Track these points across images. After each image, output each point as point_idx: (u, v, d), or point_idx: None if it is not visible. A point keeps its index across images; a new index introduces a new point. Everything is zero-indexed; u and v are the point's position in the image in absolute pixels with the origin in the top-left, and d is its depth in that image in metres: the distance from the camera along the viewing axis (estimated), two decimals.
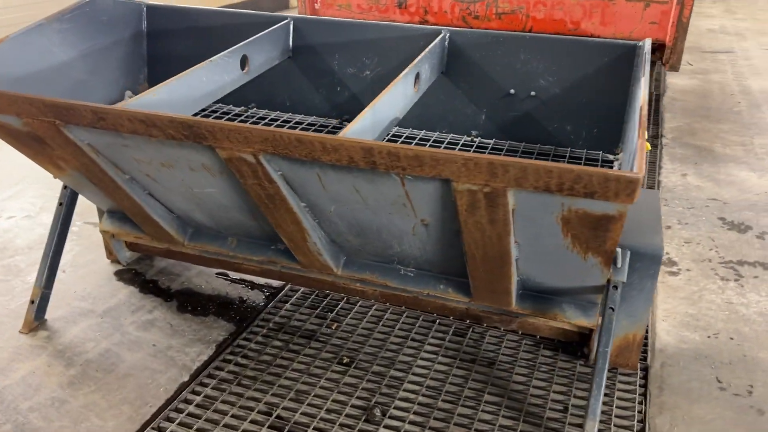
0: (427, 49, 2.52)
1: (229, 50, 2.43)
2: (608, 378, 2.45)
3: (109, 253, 3.11)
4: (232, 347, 2.58)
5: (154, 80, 3.02)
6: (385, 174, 1.77)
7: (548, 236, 1.87)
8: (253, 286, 2.98)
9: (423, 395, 2.35)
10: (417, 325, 2.74)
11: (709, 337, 2.68)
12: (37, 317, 2.67)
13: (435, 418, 2.25)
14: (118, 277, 3.01)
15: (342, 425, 2.21)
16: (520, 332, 2.67)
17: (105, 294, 2.89)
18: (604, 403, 2.31)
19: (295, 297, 2.91)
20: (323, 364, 2.50)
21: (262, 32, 2.63)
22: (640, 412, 2.29)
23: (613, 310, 2.09)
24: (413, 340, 2.64)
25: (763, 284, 3.03)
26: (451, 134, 2.71)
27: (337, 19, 2.71)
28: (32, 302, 2.65)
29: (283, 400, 2.32)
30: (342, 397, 2.34)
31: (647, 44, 2.32)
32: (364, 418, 2.25)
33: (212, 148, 1.87)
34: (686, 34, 4.15)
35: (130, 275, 3.02)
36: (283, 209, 2.12)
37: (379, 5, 4.73)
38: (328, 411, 2.27)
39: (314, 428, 2.20)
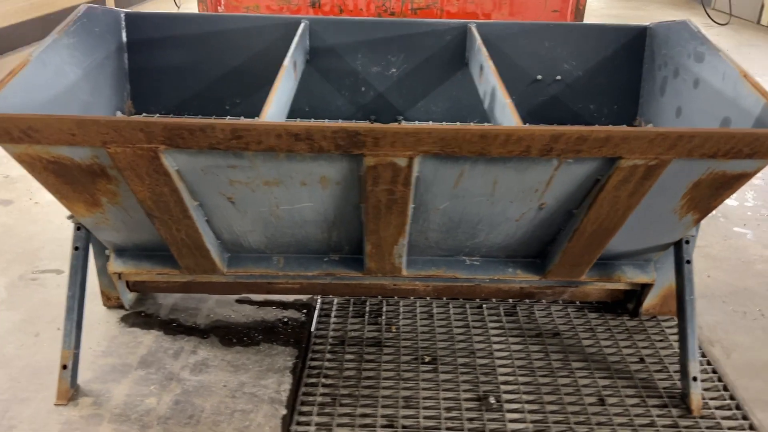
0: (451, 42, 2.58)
1: (289, 55, 2.26)
2: (652, 327, 2.72)
3: (107, 299, 2.71)
4: (308, 370, 2.43)
5: (138, 97, 2.69)
6: (544, 160, 1.82)
7: (663, 201, 2.06)
8: (283, 305, 2.81)
9: (520, 375, 2.43)
10: (468, 312, 2.79)
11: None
12: (72, 383, 2.27)
13: (545, 393, 2.34)
14: (128, 323, 2.65)
15: (470, 419, 2.22)
16: (568, 301, 2.84)
17: (128, 344, 2.53)
18: (655, 350, 2.57)
19: (333, 309, 2.79)
20: (409, 367, 2.46)
21: (296, 35, 2.47)
22: None
23: (689, 262, 2.35)
24: (474, 327, 2.70)
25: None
26: (482, 123, 2.79)
27: (357, 18, 2.64)
28: (64, 367, 2.25)
29: (398, 410, 2.25)
30: (450, 394, 2.33)
31: None
32: (485, 408, 2.27)
33: (361, 156, 1.77)
34: (582, 20, 4.62)
35: (141, 319, 2.68)
36: (397, 213, 2.05)
37: (291, 5, 4.62)
38: (447, 410, 2.26)
39: (446, 429, 2.18)
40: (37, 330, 2.60)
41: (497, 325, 2.72)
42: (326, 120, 2.78)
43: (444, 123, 2.98)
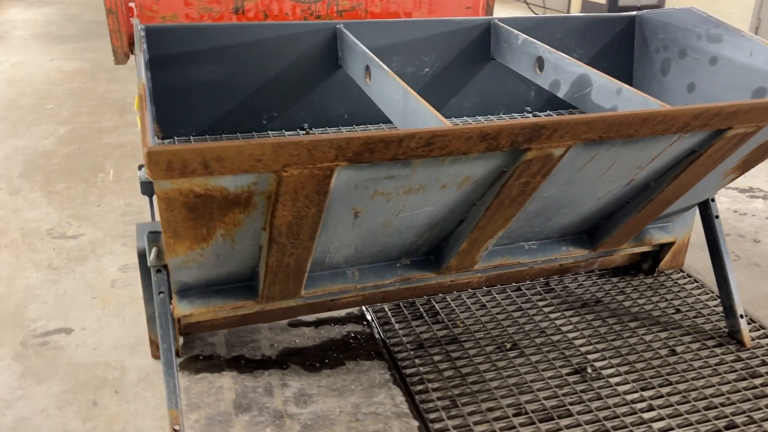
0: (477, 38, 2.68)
1: (369, 62, 2.18)
2: (667, 281, 3.06)
3: (157, 349, 2.41)
4: (408, 378, 2.38)
5: (165, 119, 2.42)
6: (666, 137, 1.99)
7: (725, 164, 2.35)
8: (339, 321, 2.70)
9: (595, 343, 2.60)
10: (513, 296, 2.91)
11: None
12: None
13: (626, 354, 2.53)
14: (192, 371, 2.38)
15: (582, 391, 2.34)
16: (590, 270, 3.07)
17: (207, 392, 2.28)
18: (682, 300, 2.91)
19: (389, 316, 2.75)
20: (498, 356, 2.52)
21: (339, 40, 2.37)
22: (705, 292, 2.96)
23: (718, 217, 2.68)
24: (527, 308, 2.82)
25: None
26: (509, 114, 2.89)
27: (390, 20, 2.58)
28: (176, 431, 1.98)
29: (516, 396, 2.30)
30: (550, 372, 2.43)
31: None
32: (588, 378, 2.41)
33: (525, 150, 1.80)
34: (492, 14, 4.94)
35: (202, 363, 2.42)
36: (516, 205, 2.10)
37: (212, 13, 4.37)
38: (558, 387, 2.36)
39: (569, 404, 2.28)
40: (91, 398, 2.24)
41: (545, 302, 2.88)
42: (369, 126, 2.71)
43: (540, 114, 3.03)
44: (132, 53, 4.49)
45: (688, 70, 2.69)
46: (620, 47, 2.96)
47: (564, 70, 2.31)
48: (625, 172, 2.16)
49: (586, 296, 2.93)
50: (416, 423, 2.19)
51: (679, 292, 2.97)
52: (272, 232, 1.88)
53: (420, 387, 2.35)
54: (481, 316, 2.78)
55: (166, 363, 2.01)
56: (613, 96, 2.10)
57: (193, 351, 2.48)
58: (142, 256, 2.22)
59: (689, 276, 3.09)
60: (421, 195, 1.96)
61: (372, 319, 2.73)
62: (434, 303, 2.86)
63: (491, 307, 2.84)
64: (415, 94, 1.98)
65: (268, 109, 2.54)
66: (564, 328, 2.70)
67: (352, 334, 2.63)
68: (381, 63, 2.19)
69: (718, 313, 2.80)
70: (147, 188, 2.59)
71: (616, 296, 2.93)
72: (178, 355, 2.45)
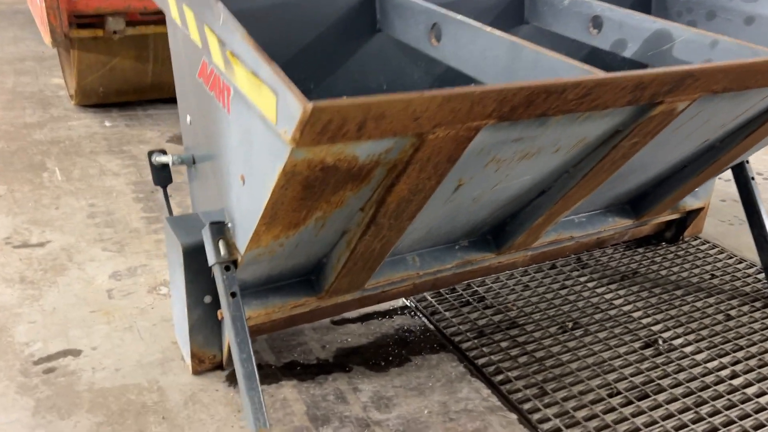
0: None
1: (438, 19, 1.94)
2: (691, 248, 3.04)
3: (199, 362, 2.05)
4: (486, 369, 2.18)
5: None
6: (765, 89, 1.91)
7: None
8: (386, 315, 2.45)
9: (652, 314, 2.51)
10: (549, 274, 2.77)
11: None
12: None
13: (686, 323, 2.46)
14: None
15: (664, 363, 2.24)
16: (615, 243, 2.99)
17: (272, 405, 1.96)
18: (713, 265, 2.91)
19: (435, 304, 2.53)
20: (565, 337, 2.37)
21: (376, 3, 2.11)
22: (729, 256, 2.97)
23: (753, 179, 2.67)
24: (570, 285, 2.70)
25: None
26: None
27: None
28: None
29: (602, 377, 2.16)
30: (624, 348, 2.32)
31: None
32: (663, 350, 2.31)
33: (652, 105, 1.64)
34: None
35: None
36: (616, 167, 1.94)
37: None
38: (638, 362, 2.24)
39: (656, 378, 2.16)
40: (136, 430, 1.86)
41: (585, 278, 2.76)
42: None
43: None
44: (70, 35, 3.96)
45: (718, 31, 2.65)
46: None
47: (632, 27, 2.19)
48: (710, 130, 2.08)
49: (621, 268, 2.85)
50: (514, 415, 1.99)
51: (705, 258, 2.96)
52: (377, 212, 1.62)
53: (500, 377, 2.16)
54: (529, 297, 2.62)
55: (246, 376, 1.69)
56: (705, 50, 2.00)
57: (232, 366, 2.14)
58: (191, 254, 1.87)
59: (708, 242, 3.09)
60: (531, 162, 1.76)
61: (417, 309, 2.50)
62: (476, 288, 2.67)
63: (535, 287, 2.69)
64: (531, 44, 1.78)
65: (304, 80, 2.23)
66: (616, 302, 2.59)
67: (405, 327, 2.39)
68: (460, 16, 1.97)
69: (751, 276, 2.81)
70: (161, 177, 2.23)
71: (650, 266, 2.87)
72: (222, 367, 2.11)
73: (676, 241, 3.06)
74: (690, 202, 2.82)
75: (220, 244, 1.73)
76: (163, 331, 2.28)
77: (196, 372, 2.08)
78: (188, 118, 1.96)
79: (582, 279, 2.76)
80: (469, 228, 2.21)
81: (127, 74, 4.35)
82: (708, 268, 2.87)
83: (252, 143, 1.46)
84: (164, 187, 2.26)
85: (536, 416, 1.99)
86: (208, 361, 2.08)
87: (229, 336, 1.74)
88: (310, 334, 2.31)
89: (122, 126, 4.36)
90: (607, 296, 2.63)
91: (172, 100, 5.07)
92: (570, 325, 2.45)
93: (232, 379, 2.07)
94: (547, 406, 2.04)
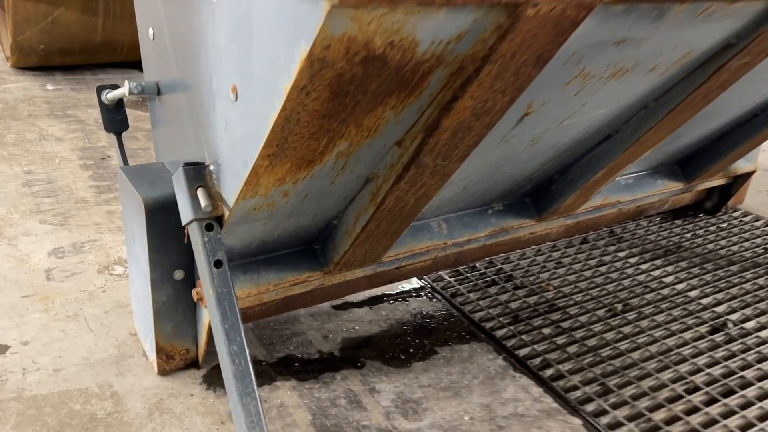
0: None
1: None
2: (734, 219, 2.66)
3: (167, 359, 1.56)
4: (531, 362, 1.74)
5: None
6: None
7: None
8: (400, 298, 1.99)
9: (711, 294, 2.12)
10: (581, 249, 2.36)
11: None
12: None
13: (752, 302, 2.08)
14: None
15: (743, 352, 1.84)
16: (651, 214, 2.60)
17: (266, 413, 1.48)
18: (763, 239, 2.54)
19: (455, 285, 2.08)
20: (616, 321, 1.95)
21: None
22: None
23: None
24: (608, 262, 2.29)
25: None
26: None
27: None
28: None
29: (677, 369, 1.75)
30: (690, 334, 1.91)
31: None
32: (735, 333, 1.91)
33: None
34: None
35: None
36: (704, 103, 1.53)
37: None
38: (711, 349, 1.84)
39: (738, 368, 1.76)
40: None
41: (624, 253, 2.36)
42: None
43: None
44: None
45: None
46: None
47: None
48: None
49: (662, 242, 2.45)
50: (577, 420, 1.56)
51: (753, 230, 2.59)
52: (422, 146, 1.16)
53: (550, 371, 1.73)
54: (564, 275, 2.19)
55: (239, 376, 1.21)
56: None
57: (214, 359, 1.66)
58: (156, 212, 1.38)
59: (750, 213, 2.73)
60: (618, 85, 1.33)
61: (434, 291, 2.05)
62: (500, 265, 2.24)
63: (570, 264, 2.27)
64: None
65: None
66: (666, 280, 2.19)
67: (423, 312, 1.94)
68: None
69: None
70: (115, 120, 1.73)
71: (693, 240, 2.48)
72: (198, 365, 1.62)
73: (716, 212, 2.68)
74: (741, 165, 2.45)
75: (200, 193, 1.24)
76: (119, 320, 1.77)
77: (164, 372, 1.58)
78: (150, 32, 1.46)
79: (620, 254, 2.35)
80: (510, 185, 1.77)
81: (72, 29, 3.77)
82: (758, 241, 2.50)
83: (251, 31, 0.98)
84: (119, 135, 1.76)
85: (604, 420, 1.57)
86: (179, 357, 1.59)
87: (212, 321, 1.25)
88: (307, 321, 1.84)
89: (67, 90, 3.79)
90: (654, 273, 2.23)
91: (127, 65, 4.50)
92: (620, 307, 2.04)
93: (211, 381, 1.59)
94: (615, 406, 1.61)
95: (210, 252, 1.24)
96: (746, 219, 2.68)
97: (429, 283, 2.10)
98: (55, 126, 3.21)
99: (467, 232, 1.80)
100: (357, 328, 1.83)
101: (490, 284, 2.12)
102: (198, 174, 1.26)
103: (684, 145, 2.05)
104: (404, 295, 2.01)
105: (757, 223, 2.65)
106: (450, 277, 2.14)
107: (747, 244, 2.47)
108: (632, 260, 2.32)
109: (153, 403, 1.50)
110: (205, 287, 1.26)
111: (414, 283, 2.08)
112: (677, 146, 2.04)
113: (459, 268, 2.20)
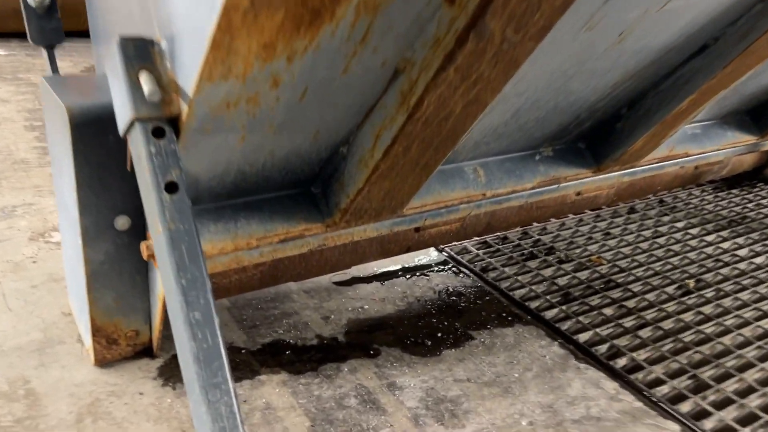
0: None
1: None
2: None
3: (107, 344, 1.12)
4: (596, 349, 1.33)
5: None
6: None
7: None
8: (418, 271, 1.57)
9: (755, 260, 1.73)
10: (631, 218, 1.96)
11: None
12: None
13: None
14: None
15: None
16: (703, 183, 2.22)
17: (246, 419, 1.05)
18: None
19: (488, 257, 1.67)
20: (692, 300, 1.55)
21: None
22: None
23: None
24: (668, 233, 1.88)
25: None
26: None
27: None
28: None
29: (765, 346, 1.35)
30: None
31: None
32: None
33: None
34: None
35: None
36: None
37: None
38: None
39: None
40: None
41: (682, 223, 1.96)
42: None
43: None
44: None
45: None
46: None
47: None
48: None
49: (722, 212, 2.06)
50: (674, 426, 1.15)
51: None
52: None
53: (624, 360, 1.31)
54: (617, 247, 1.79)
55: (205, 359, 0.78)
56: None
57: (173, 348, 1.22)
58: (86, 127, 0.95)
59: None
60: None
61: (460, 264, 1.63)
62: (537, 236, 1.83)
63: (621, 235, 1.86)
64: None
65: None
66: (740, 253, 1.79)
67: (450, 289, 1.52)
68: None
69: None
70: (46, 29, 1.30)
71: (760, 210, 2.09)
72: (152, 352, 1.19)
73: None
74: None
75: (143, 77, 0.81)
76: (50, 296, 1.33)
77: (103, 362, 1.15)
78: None
79: (678, 225, 1.95)
80: (569, 118, 1.35)
81: None
82: None
83: None
84: (50, 49, 1.32)
85: (709, 425, 1.16)
86: (125, 341, 1.15)
87: (163, 274, 0.82)
88: (301, 299, 1.41)
89: (22, 55, 3.33)
90: (724, 246, 1.83)
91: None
92: (692, 283, 1.63)
93: (169, 374, 1.15)
94: (718, 406, 1.20)
95: (159, 169, 0.81)
96: None
97: (453, 256, 1.68)
98: (2, 88, 2.75)
99: (510, 182, 1.38)
100: (366, 307, 1.41)
101: (528, 257, 1.71)
102: (142, 52, 0.83)
103: (757, 90, 1.66)
104: (423, 269, 1.59)
105: None
106: (477, 249, 1.73)
107: None
108: (693, 231, 1.92)
109: (84, 404, 1.06)
110: (152, 226, 0.82)
111: (433, 255, 1.67)
112: (751, 91, 1.65)
113: (488, 238, 1.79)
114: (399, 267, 1.58)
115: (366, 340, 1.29)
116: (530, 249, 1.75)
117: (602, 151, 1.48)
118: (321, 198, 1.15)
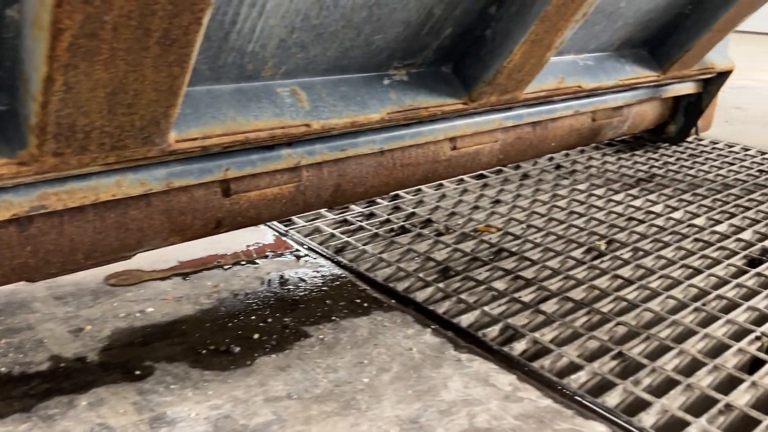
0: None
1: None
2: (705, 147, 2.01)
3: None
4: (471, 319, 0.93)
5: None
6: None
7: None
8: (244, 260, 1.14)
9: (717, 221, 1.41)
10: (526, 183, 1.61)
11: None
12: None
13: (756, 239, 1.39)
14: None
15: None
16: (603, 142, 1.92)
17: None
18: (746, 167, 1.90)
19: (349, 237, 1.26)
20: (604, 263, 1.19)
21: None
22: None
23: None
24: (565, 195, 1.55)
25: None
26: None
27: None
28: None
29: (705, 308, 0.99)
30: (720, 271, 1.17)
31: None
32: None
33: None
34: None
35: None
36: None
37: None
38: (761, 284, 1.11)
39: None
40: None
41: (585, 185, 1.62)
42: None
43: None
44: None
45: None
46: None
47: None
48: None
49: (628, 173, 1.75)
50: (601, 427, 0.76)
51: (735, 155, 1.94)
52: None
53: (522, 344, 0.92)
54: (509, 214, 1.42)
55: None
56: None
57: None
58: None
59: (719, 141, 2.10)
60: None
61: (309, 250, 1.21)
62: (409, 209, 1.43)
63: (512, 202, 1.50)
64: None
65: None
66: (655, 209, 1.47)
67: (285, 277, 1.09)
68: None
69: None
70: None
71: (668, 168, 1.80)
72: None
73: (683, 138, 2.02)
74: (720, 61, 1.80)
75: None
76: None
77: None
78: None
79: (580, 187, 1.62)
80: (417, 17, 0.98)
81: None
82: (747, 164, 1.85)
83: None
84: None
85: (649, 419, 0.78)
86: None
87: None
88: (47, 308, 0.94)
89: None
90: (635, 204, 1.51)
91: None
92: (603, 245, 1.28)
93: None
94: (658, 392, 0.83)
95: None
96: (718, 146, 2.05)
97: (296, 238, 1.26)
98: None
99: (348, 111, 0.98)
100: (150, 310, 0.95)
101: (399, 233, 1.32)
102: None
103: (647, 9, 1.36)
104: (251, 256, 1.16)
105: (736, 149, 2.02)
106: (334, 228, 1.31)
107: (737, 168, 1.82)
108: (598, 192, 1.59)
109: None
110: None
111: (270, 238, 1.24)
112: (639, 11, 1.34)
113: (347, 215, 1.38)
114: (214, 253, 1.14)
115: (134, 356, 0.84)
116: (401, 223, 1.35)
117: (472, 72, 1.12)
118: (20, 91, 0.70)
